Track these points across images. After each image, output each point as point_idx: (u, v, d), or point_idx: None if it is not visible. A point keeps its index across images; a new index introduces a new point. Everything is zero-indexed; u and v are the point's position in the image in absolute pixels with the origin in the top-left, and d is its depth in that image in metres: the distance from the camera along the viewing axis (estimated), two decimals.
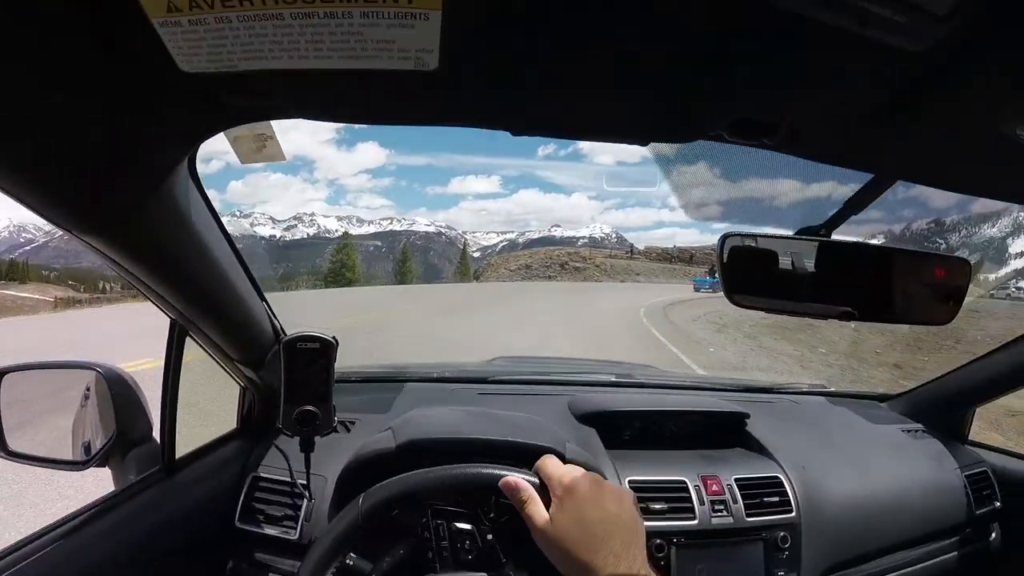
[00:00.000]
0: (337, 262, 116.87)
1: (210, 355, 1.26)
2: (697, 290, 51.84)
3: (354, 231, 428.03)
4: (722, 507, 1.37)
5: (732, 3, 0.46)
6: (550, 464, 0.92)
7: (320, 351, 1.20)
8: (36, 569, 0.94)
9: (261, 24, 0.45)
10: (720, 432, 1.67)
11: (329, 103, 0.63)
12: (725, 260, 0.97)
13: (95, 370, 1.26)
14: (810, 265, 0.96)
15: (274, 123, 0.86)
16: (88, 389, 1.35)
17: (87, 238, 0.73)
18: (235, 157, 0.91)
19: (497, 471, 0.97)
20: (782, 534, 1.37)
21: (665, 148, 0.85)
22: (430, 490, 1.02)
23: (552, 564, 0.83)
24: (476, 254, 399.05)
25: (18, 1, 0.42)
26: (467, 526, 1.16)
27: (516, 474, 0.94)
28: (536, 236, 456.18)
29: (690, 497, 1.37)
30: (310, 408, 1.19)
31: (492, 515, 1.18)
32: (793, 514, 1.41)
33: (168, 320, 1.14)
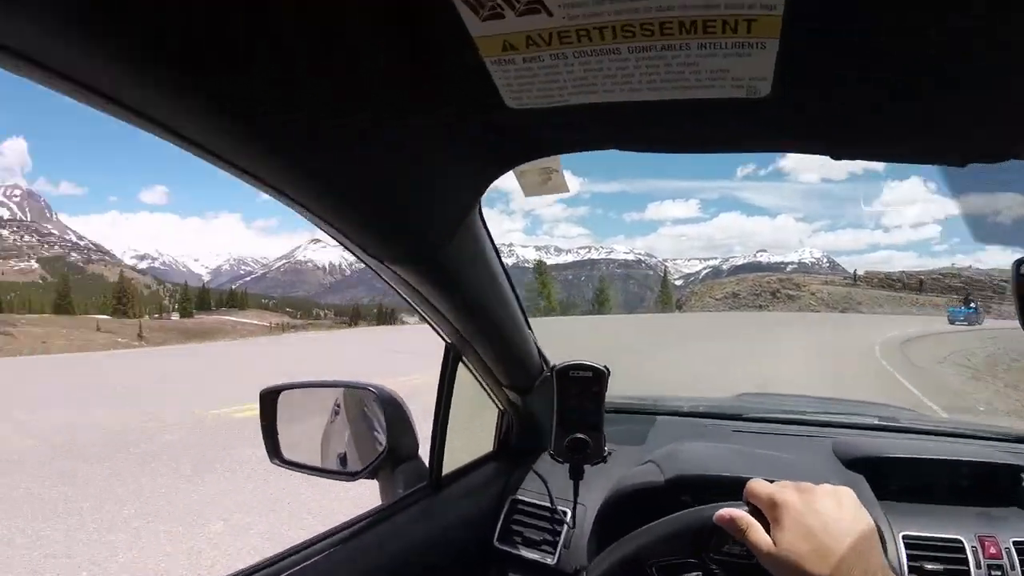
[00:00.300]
0: (532, 291, 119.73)
1: (477, 379, 1.34)
2: (952, 322, 46.17)
3: (551, 260, 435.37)
4: (999, 573, 1.22)
5: None
6: (757, 486, 0.88)
7: (592, 380, 1.20)
8: (316, 570, 1.03)
9: (597, 59, 0.46)
10: (995, 487, 1.47)
11: (649, 133, 0.63)
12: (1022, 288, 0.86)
13: (370, 391, 1.37)
14: None
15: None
16: (338, 405, 1.48)
17: (394, 267, 0.80)
18: None
19: (708, 509, 0.93)
20: None
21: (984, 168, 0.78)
22: (649, 548, 0.98)
23: None
24: (678, 282, 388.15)
25: (350, 40, 0.45)
26: (698, 574, 1.12)
27: (727, 506, 0.89)
28: (741, 262, 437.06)
29: (967, 559, 1.23)
30: (581, 436, 1.19)
31: (718, 555, 1.13)
32: None
33: (443, 345, 1.22)
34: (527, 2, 0.40)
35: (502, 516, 1.38)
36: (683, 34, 0.43)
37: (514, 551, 1.33)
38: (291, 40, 0.44)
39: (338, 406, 1.50)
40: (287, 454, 1.36)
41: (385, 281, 0.91)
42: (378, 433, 1.35)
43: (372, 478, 1.35)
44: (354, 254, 0.78)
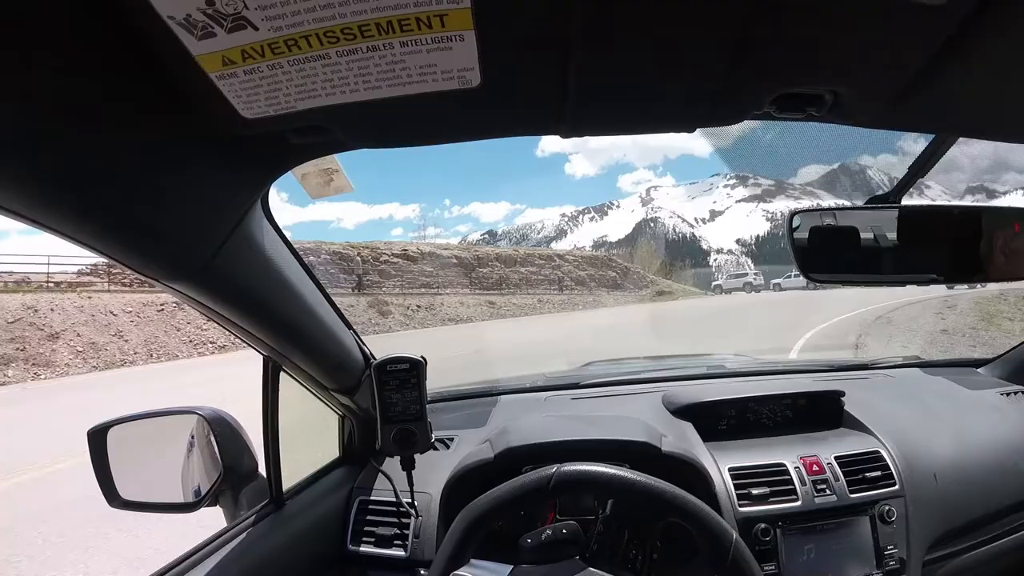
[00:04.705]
0: None
1: (306, 387, 1.30)
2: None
3: None
4: (824, 486, 1.37)
5: None
6: None
7: (410, 370, 1.23)
8: None
9: (311, 65, 0.49)
10: (817, 413, 1.66)
11: (385, 131, 0.66)
12: (796, 237, 0.97)
13: (196, 414, 1.31)
14: (886, 233, 0.96)
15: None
16: (192, 437, 1.39)
17: (175, 286, 0.77)
18: None
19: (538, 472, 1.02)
20: (888, 507, 1.36)
21: (714, 131, 0.87)
22: (628, 492, 1.02)
23: None
24: None
25: (86, 63, 0.47)
26: (638, 536, 1.22)
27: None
28: None
29: (791, 479, 1.37)
30: (407, 427, 1.23)
31: (659, 538, 1.24)
32: (897, 486, 1.40)
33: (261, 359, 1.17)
34: (233, 19, 0.44)
35: (351, 519, 1.38)
36: (383, 35, 0.47)
37: (368, 551, 1.34)
38: (26, 80, 0.45)
39: (192, 437, 1.40)
40: (127, 494, 1.27)
41: (180, 299, 0.87)
42: (217, 457, 1.28)
43: (214, 505, 1.29)
44: (136, 273, 0.74)
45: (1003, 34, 0.53)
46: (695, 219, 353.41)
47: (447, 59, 0.50)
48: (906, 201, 0.98)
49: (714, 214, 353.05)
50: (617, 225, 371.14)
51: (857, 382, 1.90)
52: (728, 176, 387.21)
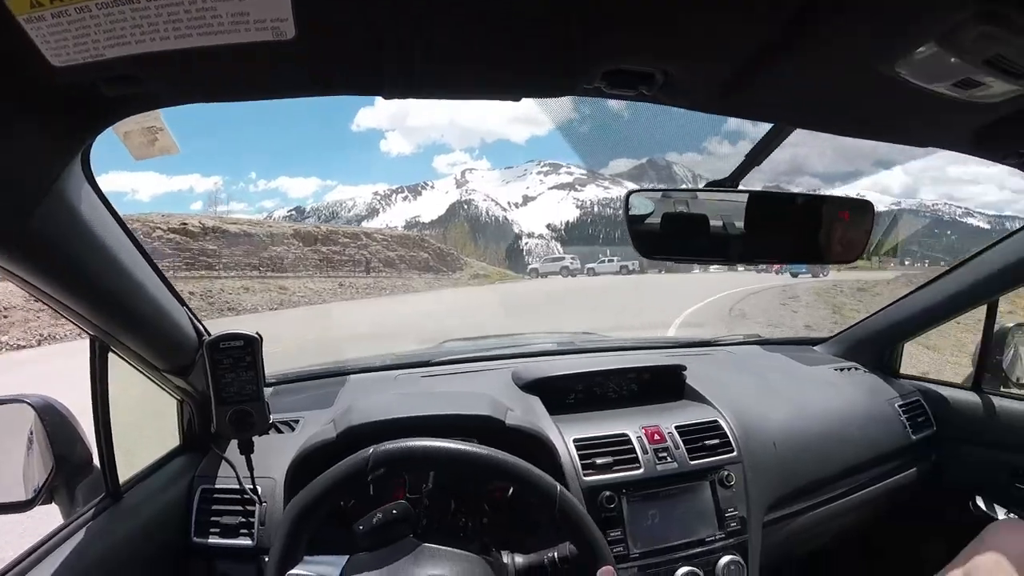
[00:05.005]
0: None
1: (138, 369, 1.22)
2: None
3: None
4: (665, 454, 1.44)
5: None
6: None
7: (245, 348, 1.18)
8: None
9: (119, 9, 0.46)
10: (660, 387, 1.74)
11: (199, 84, 0.63)
12: (631, 217, 1.00)
13: (24, 402, 1.18)
14: (729, 215, 1.02)
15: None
16: (32, 429, 1.24)
17: None
18: None
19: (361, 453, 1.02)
20: (727, 473, 1.45)
21: (551, 104, 0.85)
22: (448, 462, 1.03)
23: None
24: None
25: None
26: (465, 505, 1.24)
27: None
28: None
29: (634, 448, 1.44)
30: (243, 408, 1.18)
31: (489, 504, 1.27)
32: (735, 453, 1.50)
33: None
34: None
35: (194, 509, 1.31)
36: None
37: (213, 541, 1.28)
38: None
39: (32, 432, 1.23)
40: None
41: None
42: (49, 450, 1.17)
43: (50, 502, 1.18)
44: None
45: (837, 29, 0.55)
46: (508, 203, 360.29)
47: (260, 7, 0.47)
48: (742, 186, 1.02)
49: (527, 199, 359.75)
50: (431, 206, 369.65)
51: (699, 357, 2.04)
52: (542, 163, 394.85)
